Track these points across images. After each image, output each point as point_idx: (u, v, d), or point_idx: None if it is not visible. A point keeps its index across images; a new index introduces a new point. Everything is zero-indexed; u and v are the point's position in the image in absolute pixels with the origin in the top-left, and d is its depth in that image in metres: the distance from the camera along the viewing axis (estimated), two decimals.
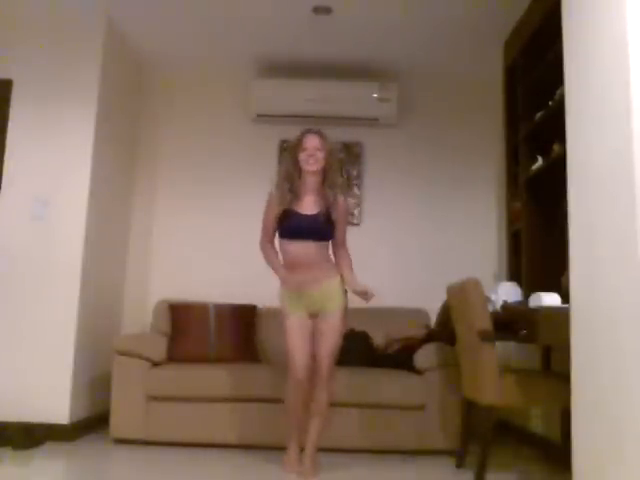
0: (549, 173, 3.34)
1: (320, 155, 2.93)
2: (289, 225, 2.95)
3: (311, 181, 2.98)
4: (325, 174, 2.98)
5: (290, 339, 2.92)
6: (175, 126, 4.71)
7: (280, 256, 3.04)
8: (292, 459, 2.98)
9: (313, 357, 2.92)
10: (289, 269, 2.96)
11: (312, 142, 2.94)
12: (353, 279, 2.99)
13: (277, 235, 3.04)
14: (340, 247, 3.08)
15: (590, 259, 2.11)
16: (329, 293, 2.93)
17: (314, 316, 2.95)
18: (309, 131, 3.00)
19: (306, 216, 2.95)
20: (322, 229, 2.96)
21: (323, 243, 2.98)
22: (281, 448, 3.36)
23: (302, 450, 2.98)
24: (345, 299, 2.98)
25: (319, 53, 4.40)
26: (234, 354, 3.86)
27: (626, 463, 1.83)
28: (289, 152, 3.06)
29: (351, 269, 3.04)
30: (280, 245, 3.02)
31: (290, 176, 2.98)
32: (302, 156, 2.94)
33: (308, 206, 2.97)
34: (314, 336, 2.93)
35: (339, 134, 4.59)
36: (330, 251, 3.05)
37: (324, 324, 2.92)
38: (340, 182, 3.12)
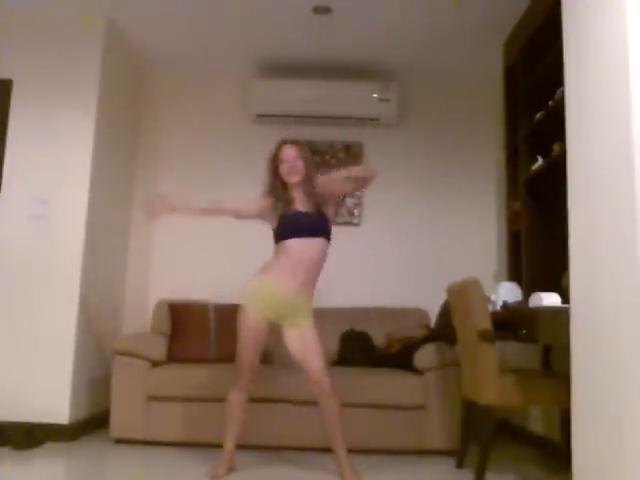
0: (549, 173, 3.34)
1: (300, 164, 2.95)
2: (292, 222, 2.92)
3: (296, 187, 2.99)
4: (306, 178, 2.97)
5: (244, 341, 2.90)
6: (175, 126, 4.71)
7: (278, 260, 2.93)
8: (227, 459, 2.94)
9: (258, 355, 2.93)
10: (287, 269, 2.88)
11: (290, 153, 2.96)
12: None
13: (279, 238, 2.95)
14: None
15: (590, 259, 2.11)
16: (300, 309, 2.89)
17: (273, 322, 2.89)
18: (284, 142, 3.01)
19: (305, 213, 2.95)
20: (322, 226, 2.95)
21: (325, 241, 2.94)
22: (282, 448, 3.39)
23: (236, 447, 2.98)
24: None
25: (319, 53, 4.40)
26: (234, 354, 3.84)
27: (626, 463, 1.83)
28: (269, 166, 3.03)
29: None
30: (283, 246, 2.91)
31: (275, 190, 2.99)
32: (283, 168, 2.95)
33: (302, 205, 2.96)
34: (294, 349, 2.88)
35: (339, 134, 4.60)
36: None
37: (301, 338, 2.87)
38: (318, 179, 3.03)
